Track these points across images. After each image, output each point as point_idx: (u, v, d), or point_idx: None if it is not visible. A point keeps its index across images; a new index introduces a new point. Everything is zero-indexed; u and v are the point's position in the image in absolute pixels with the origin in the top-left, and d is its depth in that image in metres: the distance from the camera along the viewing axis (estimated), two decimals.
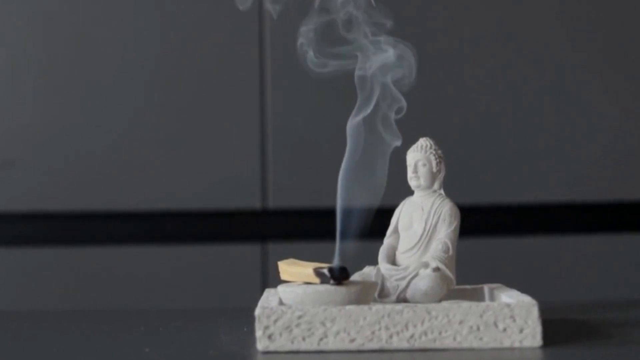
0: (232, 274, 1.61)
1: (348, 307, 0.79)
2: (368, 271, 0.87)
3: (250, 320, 0.82)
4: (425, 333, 0.78)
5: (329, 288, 0.81)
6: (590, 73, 1.65)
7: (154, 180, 1.60)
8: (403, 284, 0.86)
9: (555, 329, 0.84)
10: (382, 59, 0.88)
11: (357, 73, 0.89)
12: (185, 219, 1.61)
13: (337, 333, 0.78)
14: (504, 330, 0.78)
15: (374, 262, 0.89)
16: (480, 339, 0.78)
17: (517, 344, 0.78)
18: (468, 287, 0.91)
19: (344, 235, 0.86)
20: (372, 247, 0.89)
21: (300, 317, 0.78)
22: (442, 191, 0.89)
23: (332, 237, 0.89)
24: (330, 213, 0.89)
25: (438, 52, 1.60)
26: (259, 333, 0.78)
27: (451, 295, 0.88)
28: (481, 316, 0.78)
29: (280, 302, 0.83)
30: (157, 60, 1.61)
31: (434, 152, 0.89)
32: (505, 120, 1.64)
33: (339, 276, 0.82)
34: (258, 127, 1.61)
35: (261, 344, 0.78)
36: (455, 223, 0.88)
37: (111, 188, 1.60)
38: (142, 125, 1.60)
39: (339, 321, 0.78)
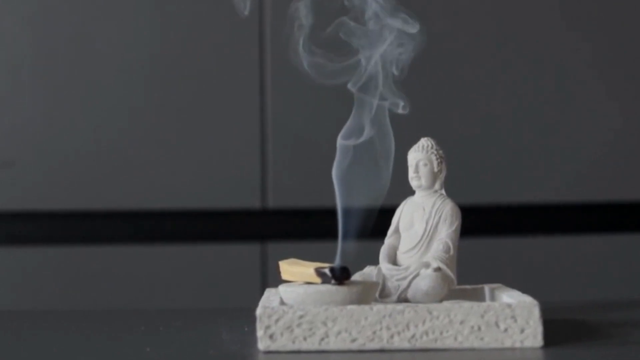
0: (232, 273, 1.60)
1: (349, 307, 0.79)
2: (369, 271, 0.87)
3: (250, 320, 0.82)
4: (427, 333, 0.78)
5: (330, 288, 0.81)
6: (591, 73, 1.65)
7: (154, 180, 1.60)
8: (404, 284, 0.86)
9: (556, 329, 0.84)
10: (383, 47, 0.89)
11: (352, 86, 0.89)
12: (185, 218, 1.61)
13: (339, 333, 0.78)
14: (505, 330, 0.78)
15: (375, 262, 0.89)
16: (482, 339, 0.78)
17: (518, 344, 0.78)
18: (468, 287, 0.91)
19: (345, 235, 0.86)
20: (372, 247, 0.89)
21: (301, 317, 0.78)
22: (443, 191, 0.89)
23: (331, 237, 0.89)
24: (330, 213, 0.89)
25: (438, 52, 1.60)
26: (260, 333, 0.78)
27: (452, 295, 0.88)
28: (482, 316, 0.78)
29: (282, 302, 0.83)
30: (157, 60, 1.61)
31: (435, 152, 0.89)
32: (505, 120, 1.64)
33: (340, 276, 0.82)
34: (258, 127, 1.61)
35: (262, 344, 0.78)
36: (457, 223, 0.88)
37: (111, 187, 1.60)
38: (142, 124, 1.60)
39: (340, 321, 0.78)
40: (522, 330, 0.78)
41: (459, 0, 1.65)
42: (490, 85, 1.64)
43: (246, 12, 0.95)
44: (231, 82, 1.61)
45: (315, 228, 1.56)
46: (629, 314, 0.98)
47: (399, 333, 0.78)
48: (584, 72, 1.65)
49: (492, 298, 0.89)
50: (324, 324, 0.78)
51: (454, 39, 1.63)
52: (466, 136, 1.62)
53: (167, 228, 1.61)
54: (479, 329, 0.78)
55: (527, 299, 0.80)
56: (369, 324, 0.78)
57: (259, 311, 0.79)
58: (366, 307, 0.79)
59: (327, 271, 0.82)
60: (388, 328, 0.78)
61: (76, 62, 1.61)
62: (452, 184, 0.90)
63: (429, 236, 0.88)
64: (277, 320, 0.78)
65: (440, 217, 0.88)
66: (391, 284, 0.87)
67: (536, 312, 0.79)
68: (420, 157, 0.89)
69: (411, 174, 0.89)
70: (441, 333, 0.78)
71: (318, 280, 0.82)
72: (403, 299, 0.86)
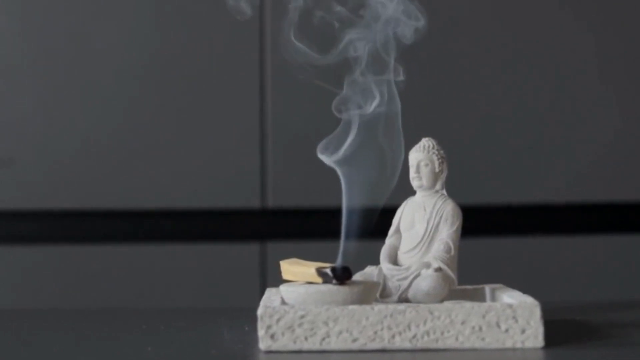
0: (231, 273, 1.60)
1: (350, 307, 0.79)
2: (370, 271, 0.87)
3: (250, 319, 0.82)
4: (428, 333, 0.78)
5: (332, 288, 0.81)
6: (591, 73, 1.65)
7: (154, 179, 1.60)
8: (405, 284, 0.86)
9: (556, 330, 0.84)
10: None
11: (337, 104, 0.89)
12: (184, 218, 1.61)
13: (340, 333, 0.78)
14: (506, 330, 0.78)
15: (376, 262, 0.89)
16: (483, 339, 0.78)
17: (519, 345, 0.78)
18: (469, 287, 0.91)
19: (347, 235, 0.86)
20: (373, 247, 0.89)
21: (302, 316, 0.78)
22: (444, 191, 0.89)
23: (331, 236, 0.89)
24: (329, 213, 0.89)
25: (438, 52, 1.60)
26: (261, 332, 0.78)
27: (452, 295, 0.88)
28: (483, 317, 0.78)
29: (283, 302, 0.83)
30: (157, 60, 1.61)
31: (436, 152, 0.89)
32: (505, 120, 1.64)
33: (342, 276, 0.82)
34: (258, 127, 1.61)
35: (263, 344, 0.78)
36: (457, 223, 0.88)
37: (111, 187, 1.60)
38: (142, 124, 1.60)
39: (342, 321, 0.78)
40: (523, 331, 0.78)
41: (459, 0, 1.65)
42: (490, 85, 1.64)
43: (247, 16, 0.95)
44: (231, 82, 1.61)
45: (315, 228, 1.56)
46: (630, 314, 0.98)
47: (400, 333, 0.78)
48: (584, 72, 1.65)
49: (493, 298, 0.89)
50: (325, 323, 0.78)
51: (454, 39, 1.63)
52: (466, 136, 1.62)
53: (167, 228, 1.61)
54: (480, 329, 0.78)
55: (528, 300, 0.80)
56: (370, 324, 0.78)
57: (260, 311, 0.79)
58: (367, 307, 0.79)
59: (328, 271, 0.81)
60: (389, 328, 0.78)
61: (76, 62, 1.61)
62: (453, 184, 0.90)
63: (429, 236, 0.88)
64: (278, 320, 0.78)
65: (441, 217, 0.88)
66: (392, 284, 0.87)
67: (537, 312, 0.79)
68: (422, 157, 0.89)
69: (412, 174, 0.89)
70: (442, 333, 0.78)
71: (319, 280, 0.82)
72: (404, 299, 0.86)
